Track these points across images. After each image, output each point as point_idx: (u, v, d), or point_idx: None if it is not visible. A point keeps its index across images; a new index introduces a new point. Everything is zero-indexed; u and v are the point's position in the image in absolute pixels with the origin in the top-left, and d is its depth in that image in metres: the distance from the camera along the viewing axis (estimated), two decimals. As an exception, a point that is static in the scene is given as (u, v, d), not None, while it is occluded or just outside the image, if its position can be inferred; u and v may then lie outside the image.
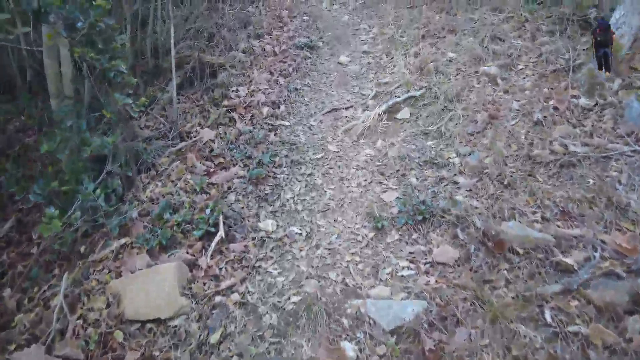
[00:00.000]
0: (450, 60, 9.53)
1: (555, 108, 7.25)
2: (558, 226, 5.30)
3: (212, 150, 7.50)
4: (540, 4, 10.69)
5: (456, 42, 10.16)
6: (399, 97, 8.80)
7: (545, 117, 7.13)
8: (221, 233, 5.72)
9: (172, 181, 6.76)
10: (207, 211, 5.92)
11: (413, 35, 11.12)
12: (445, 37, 10.61)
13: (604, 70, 7.47)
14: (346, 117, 8.65)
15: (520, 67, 8.65)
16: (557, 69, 8.09)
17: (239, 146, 7.50)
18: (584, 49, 8.38)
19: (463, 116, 7.78)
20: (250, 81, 9.69)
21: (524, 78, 8.31)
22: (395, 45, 11.02)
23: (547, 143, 6.61)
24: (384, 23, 12.56)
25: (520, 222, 5.44)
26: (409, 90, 8.93)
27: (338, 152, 7.66)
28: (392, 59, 10.51)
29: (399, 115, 8.45)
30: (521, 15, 10.43)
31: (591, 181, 5.84)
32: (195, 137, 7.78)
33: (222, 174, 6.87)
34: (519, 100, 7.69)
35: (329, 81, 10.05)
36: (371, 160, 7.38)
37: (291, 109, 8.98)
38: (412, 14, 12.54)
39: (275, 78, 9.93)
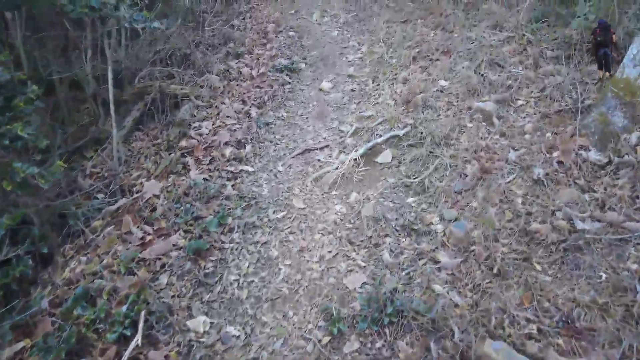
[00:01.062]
0: (441, 91, 8.14)
1: (560, 162, 5.86)
2: (558, 347, 3.97)
3: (154, 209, 6.24)
4: (544, 22, 9.25)
5: (450, 67, 8.76)
6: (380, 136, 7.46)
7: (547, 174, 5.75)
8: (138, 338, 4.47)
9: (99, 255, 5.52)
10: (124, 308, 4.66)
11: (404, 56, 9.74)
12: (438, 60, 9.22)
13: (603, 70, 6.91)
14: (319, 160, 7.31)
15: (520, 102, 7.24)
16: (563, 109, 6.68)
17: (186, 204, 6.22)
18: (594, 82, 6.97)
19: (451, 166, 6.42)
20: (218, 114, 8.40)
21: (524, 118, 6.92)
22: (384, 68, 9.64)
23: (549, 213, 5.23)
24: (375, 40, 11.17)
25: (510, 336, 4.11)
26: (392, 128, 7.57)
27: (304, 209, 6.35)
28: (378, 85, 9.14)
29: (379, 159, 7.11)
30: (523, 35, 8.98)
31: (603, 275, 4.46)
32: (139, 191, 6.53)
33: (159, 245, 5.60)
34: (517, 149, 6.31)
35: (306, 112, 8.70)
36: (341, 220, 6.07)
37: (258, 149, 7.66)
38: (405, 30, 11.14)
39: (247, 109, 8.63)
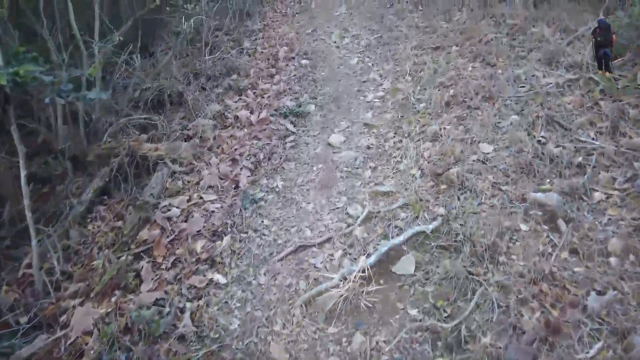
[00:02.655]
0: (483, 161, 5.80)
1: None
2: None
3: (81, 355, 4.22)
4: (621, 62, 6.75)
5: (494, 122, 6.41)
6: (401, 230, 5.21)
7: (660, 352, 3.44)
8: None
9: None
10: None
11: (435, 98, 7.40)
12: (478, 108, 6.85)
13: (603, 70, 6.44)
14: (315, 267, 5.09)
15: (597, 197, 4.86)
16: (670, 221, 4.31)
17: (121, 354, 4.16)
18: None
19: (499, 306, 4.15)
20: (198, 183, 6.28)
21: (606, 225, 4.55)
22: (409, 115, 7.32)
23: None
24: (400, 72, 8.79)
25: None
26: (417, 218, 5.31)
27: (286, 362, 4.21)
28: (401, 141, 6.81)
29: (397, 268, 4.86)
30: (590, 80, 6.53)
31: None
32: (66, 325, 4.50)
33: None
34: (600, 291, 3.97)
35: (307, 181, 6.43)
36: (337, 397, 3.91)
37: (238, 243, 5.46)
38: (437, 61, 8.75)
39: (237, 173, 6.47)
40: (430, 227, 5.10)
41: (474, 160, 5.85)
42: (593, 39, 6.48)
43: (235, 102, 8.45)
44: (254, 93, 8.75)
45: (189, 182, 6.28)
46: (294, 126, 7.61)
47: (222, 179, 6.39)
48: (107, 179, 6.37)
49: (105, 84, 7.09)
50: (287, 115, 7.80)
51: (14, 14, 7.09)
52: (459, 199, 5.35)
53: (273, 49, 10.62)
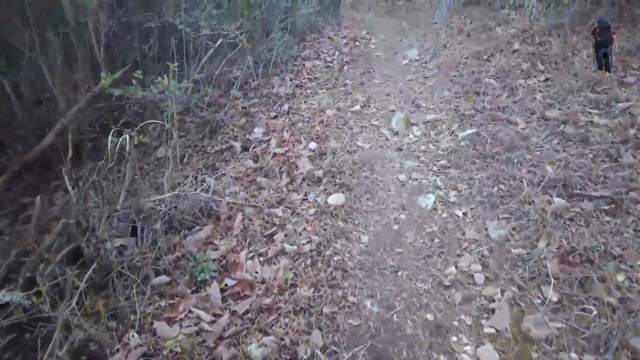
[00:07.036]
0: None
1: None
2: None
3: None
4: None
5: None
6: None
7: None
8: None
9: None
10: None
11: None
12: None
13: (603, 70, 5.43)
14: None
15: None
16: None
17: None
18: None
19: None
20: None
21: None
22: None
23: None
24: (528, 264, 3.38)
25: None
26: None
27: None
28: None
29: None
30: None
31: None
32: None
33: None
34: None
35: None
36: None
37: None
38: (619, 235, 3.27)
39: None
40: None
41: None
42: (593, 39, 5.55)
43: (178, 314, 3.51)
44: (234, 255, 3.76)
45: None
46: None
47: None
48: None
49: None
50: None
51: None
52: None
53: (292, 148, 5.49)
